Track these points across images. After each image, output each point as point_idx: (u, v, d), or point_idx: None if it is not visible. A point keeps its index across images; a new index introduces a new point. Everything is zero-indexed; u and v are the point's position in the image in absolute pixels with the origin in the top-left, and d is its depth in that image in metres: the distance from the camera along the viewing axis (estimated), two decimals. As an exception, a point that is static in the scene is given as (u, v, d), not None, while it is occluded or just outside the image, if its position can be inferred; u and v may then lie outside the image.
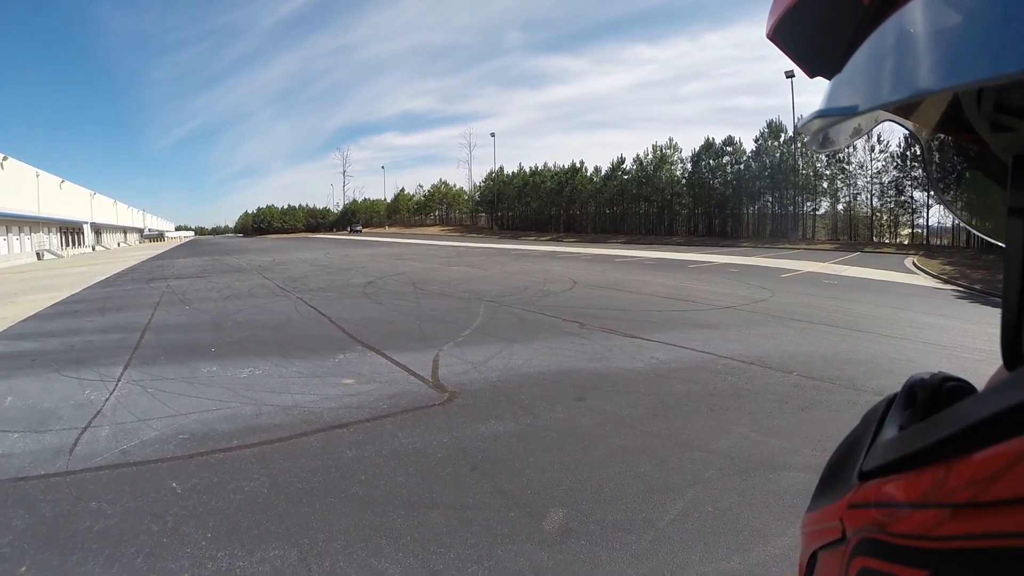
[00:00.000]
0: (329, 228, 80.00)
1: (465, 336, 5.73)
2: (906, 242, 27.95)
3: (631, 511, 2.29)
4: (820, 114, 0.27)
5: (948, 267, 15.57)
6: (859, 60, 0.26)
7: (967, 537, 0.20)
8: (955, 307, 8.74)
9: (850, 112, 0.25)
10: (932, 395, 0.28)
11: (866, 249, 24.65)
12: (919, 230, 29.09)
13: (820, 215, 33.70)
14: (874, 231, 30.72)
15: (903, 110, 0.32)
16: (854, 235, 30.80)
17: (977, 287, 11.12)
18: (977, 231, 0.33)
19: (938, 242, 26.90)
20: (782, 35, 0.33)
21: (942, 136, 0.32)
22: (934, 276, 13.57)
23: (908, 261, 17.93)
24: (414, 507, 2.28)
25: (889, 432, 0.29)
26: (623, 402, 3.70)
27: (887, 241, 29.10)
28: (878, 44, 0.24)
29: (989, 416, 0.20)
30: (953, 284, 12.05)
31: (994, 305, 8.88)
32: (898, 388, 0.33)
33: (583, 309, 7.39)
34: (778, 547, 2.02)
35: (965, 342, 5.68)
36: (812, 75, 0.34)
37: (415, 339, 5.61)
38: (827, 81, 0.30)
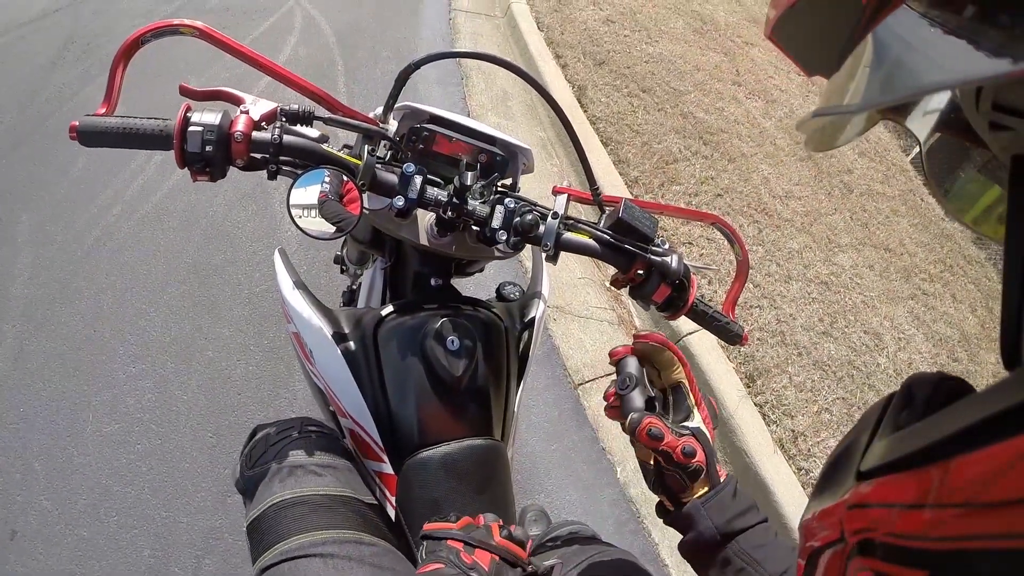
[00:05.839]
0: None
1: None
2: None
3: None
4: (818, 113, 0.27)
5: None
6: (857, 59, 0.25)
7: (967, 537, 0.20)
8: None
9: (848, 111, 0.26)
10: (930, 394, 0.28)
11: None
12: None
13: None
14: None
15: (901, 109, 0.32)
16: None
17: None
18: (977, 231, 0.34)
19: None
20: (781, 34, 0.32)
21: (940, 136, 0.33)
22: None
23: None
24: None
25: (887, 432, 0.29)
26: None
27: None
28: (876, 43, 0.24)
29: (989, 416, 0.20)
30: None
31: None
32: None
33: None
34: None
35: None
36: (811, 74, 0.34)
37: None
38: (826, 80, 0.30)
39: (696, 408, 0.61)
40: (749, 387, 1.98)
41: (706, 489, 0.59)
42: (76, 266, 2.11)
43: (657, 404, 0.63)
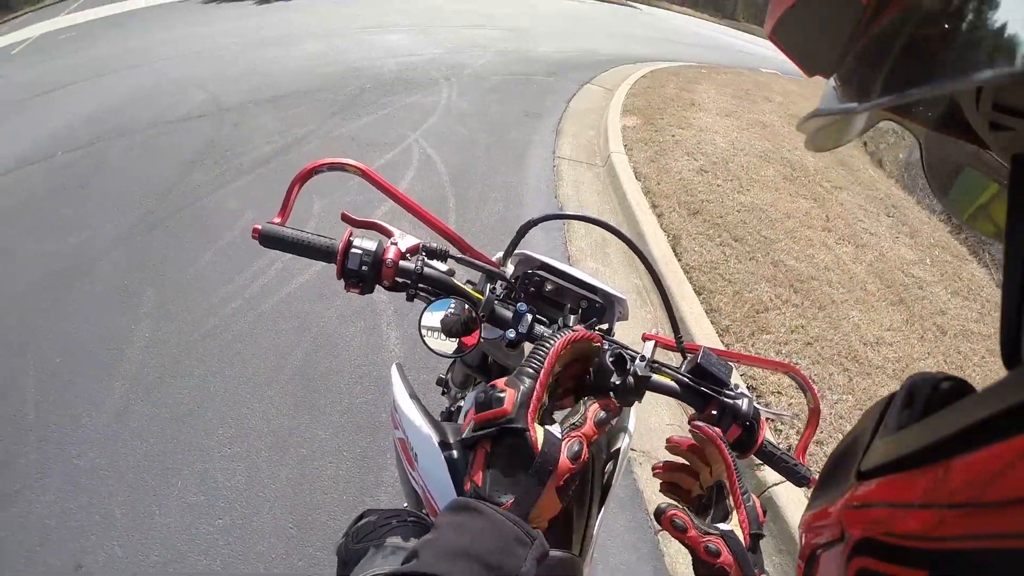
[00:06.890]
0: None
1: None
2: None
3: None
4: (818, 113, 0.27)
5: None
6: (857, 59, 0.26)
7: (967, 537, 0.19)
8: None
9: (848, 111, 0.25)
10: (930, 395, 0.28)
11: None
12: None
13: None
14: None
15: (901, 109, 0.32)
16: None
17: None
18: (978, 231, 0.33)
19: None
20: (782, 34, 0.32)
21: (941, 136, 0.32)
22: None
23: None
24: None
25: (888, 432, 0.28)
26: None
27: None
28: (876, 43, 0.24)
29: (988, 416, 0.20)
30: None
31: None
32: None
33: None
34: None
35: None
36: (811, 74, 0.34)
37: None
38: (826, 80, 0.31)
39: (735, 511, 0.60)
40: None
41: None
42: (191, 346, 2.30)
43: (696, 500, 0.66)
